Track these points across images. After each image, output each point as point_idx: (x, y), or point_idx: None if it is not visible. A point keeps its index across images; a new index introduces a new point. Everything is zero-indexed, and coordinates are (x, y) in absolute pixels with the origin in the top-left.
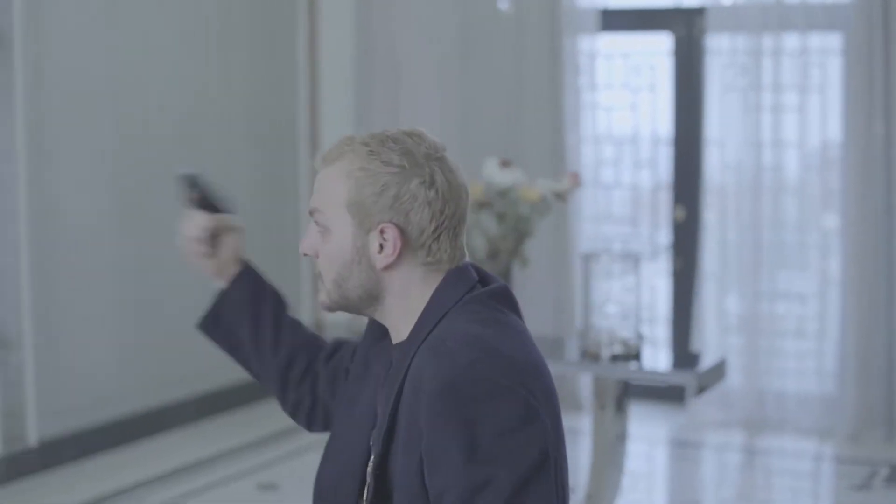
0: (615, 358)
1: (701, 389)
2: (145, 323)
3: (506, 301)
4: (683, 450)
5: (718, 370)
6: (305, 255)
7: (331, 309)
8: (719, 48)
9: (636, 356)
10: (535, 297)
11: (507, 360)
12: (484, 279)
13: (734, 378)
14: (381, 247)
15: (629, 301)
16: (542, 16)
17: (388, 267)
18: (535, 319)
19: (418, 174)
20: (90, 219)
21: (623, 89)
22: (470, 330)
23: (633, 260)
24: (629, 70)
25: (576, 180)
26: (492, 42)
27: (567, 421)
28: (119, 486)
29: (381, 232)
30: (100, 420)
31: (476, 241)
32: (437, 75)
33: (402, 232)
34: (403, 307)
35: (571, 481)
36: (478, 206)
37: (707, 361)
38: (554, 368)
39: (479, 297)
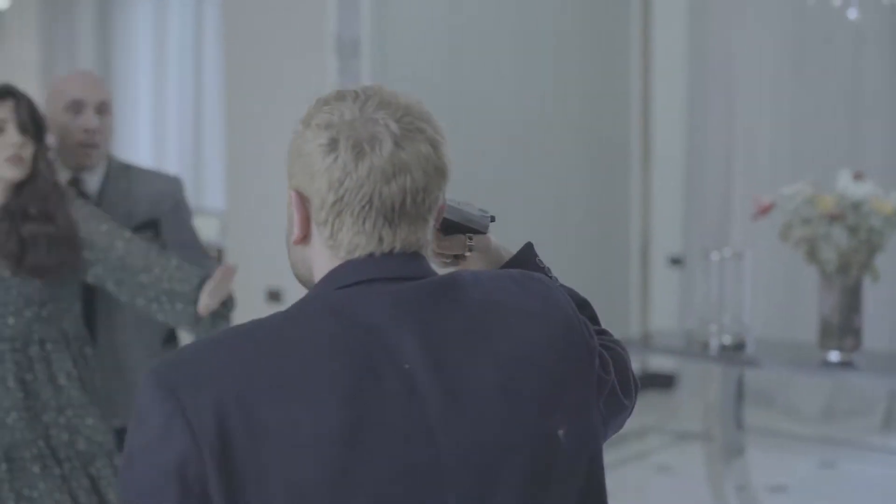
0: None
1: None
2: None
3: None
4: None
5: None
6: None
7: None
8: None
9: None
10: (884, 313)
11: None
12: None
13: None
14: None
15: None
16: (883, 23)
17: (303, 243)
18: (880, 336)
19: (324, 136)
20: None
21: None
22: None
23: None
24: None
25: None
26: (831, 52)
27: None
28: None
29: (290, 200)
30: None
31: (827, 255)
32: (771, 87)
33: (305, 201)
34: None
35: None
36: (829, 220)
37: None
38: None
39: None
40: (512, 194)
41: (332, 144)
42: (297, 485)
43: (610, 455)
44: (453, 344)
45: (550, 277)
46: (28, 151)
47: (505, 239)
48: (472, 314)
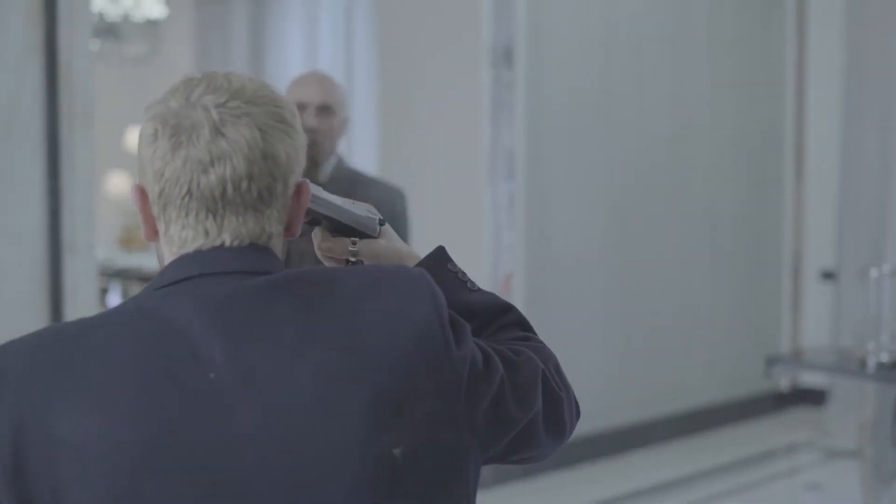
0: None
1: None
2: (633, 337)
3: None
4: None
5: None
6: None
7: None
8: None
9: None
10: None
11: None
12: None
13: None
14: None
15: None
16: None
17: (154, 239)
18: None
19: (150, 126)
20: (580, 230)
21: None
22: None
23: None
24: None
25: None
26: None
27: None
28: (599, 498)
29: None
30: (585, 431)
31: None
32: None
33: (144, 195)
34: None
35: None
36: None
37: None
38: None
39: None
40: (663, 204)
41: (154, 135)
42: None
43: (757, 472)
44: (271, 351)
45: (465, 282)
46: None
47: (656, 249)
48: (302, 317)
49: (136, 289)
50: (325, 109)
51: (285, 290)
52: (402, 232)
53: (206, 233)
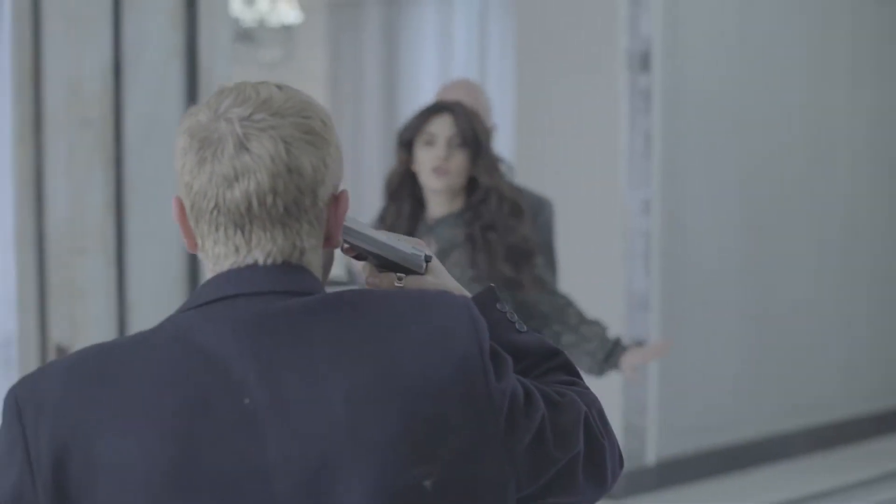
0: None
1: None
2: (768, 347)
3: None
4: None
5: None
6: None
7: None
8: None
9: None
10: None
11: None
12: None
13: None
14: None
15: None
16: None
17: (193, 251)
18: None
19: (182, 140)
20: (716, 238)
21: None
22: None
23: None
24: None
25: None
26: None
27: None
28: None
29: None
30: (716, 443)
31: None
32: None
33: (183, 208)
34: None
35: None
36: None
37: None
38: None
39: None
40: (799, 214)
41: (185, 149)
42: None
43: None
44: (304, 376)
45: (514, 323)
46: (455, 163)
47: (792, 259)
48: (336, 341)
49: None
50: None
51: (320, 313)
52: (549, 242)
53: (237, 249)
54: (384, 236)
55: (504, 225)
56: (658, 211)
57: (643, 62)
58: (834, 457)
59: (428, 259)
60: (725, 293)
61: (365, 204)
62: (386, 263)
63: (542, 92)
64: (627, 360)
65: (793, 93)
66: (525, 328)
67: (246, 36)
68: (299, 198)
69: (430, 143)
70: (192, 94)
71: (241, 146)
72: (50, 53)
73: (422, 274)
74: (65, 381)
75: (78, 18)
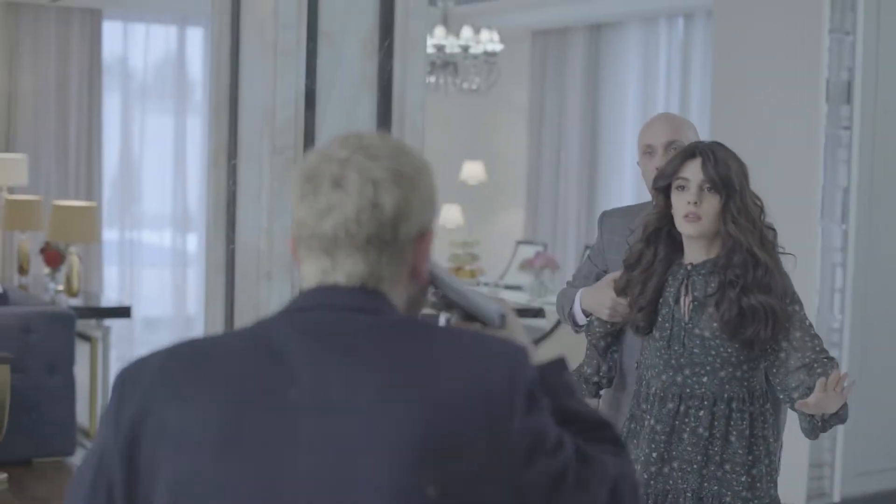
0: None
1: None
2: None
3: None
4: None
5: None
6: None
7: None
8: None
9: None
10: None
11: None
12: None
13: None
14: None
15: None
16: None
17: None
18: None
19: (296, 175)
20: None
21: None
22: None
23: None
24: None
25: None
26: None
27: None
28: None
29: None
30: None
31: None
32: None
33: (293, 236)
34: None
35: None
36: None
37: None
38: None
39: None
40: None
41: (295, 185)
42: (175, 483)
43: None
44: (346, 377)
45: (574, 392)
46: (708, 209)
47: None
48: (385, 355)
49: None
50: (672, 147)
51: (380, 331)
52: None
53: (324, 271)
54: (464, 288)
55: (747, 282)
56: (853, 245)
57: (844, 92)
58: None
59: (503, 318)
60: None
61: (559, 228)
62: (465, 313)
63: (740, 119)
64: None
65: None
66: (584, 401)
67: (448, 64)
68: (380, 230)
69: (682, 187)
70: (384, 121)
71: (336, 184)
72: (246, 80)
73: (496, 327)
74: (161, 362)
75: (273, 46)
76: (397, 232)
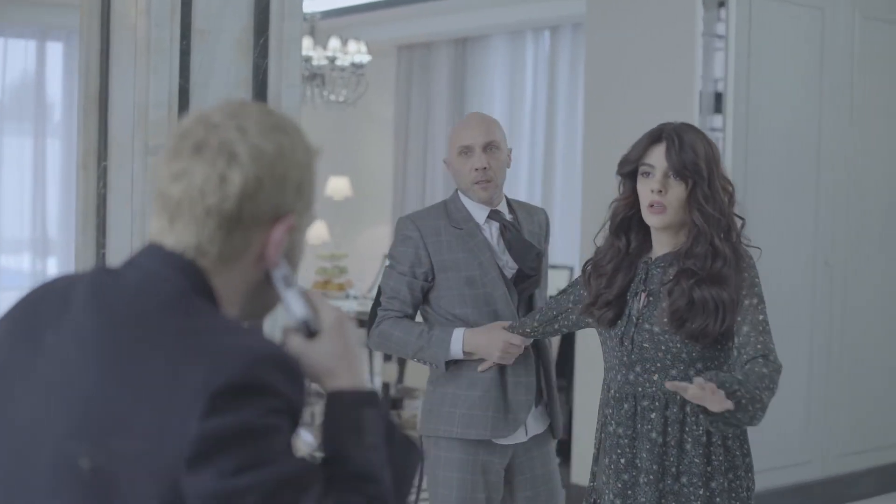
0: None
1: None
2: (837, 387)
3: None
4: None
5: None
6: None
7: None
8: None
9: None
10: None
11: None
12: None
13: None
14: None
15: None
16: None
17: None
18: None
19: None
20: (788, 278)
21: None
22: None
23: None
24: None
25: None
26: None
27: None
28: None
29: None
30: (785, 483)
31: None
32: None
33: None
34: None
35: None
36: None
37: None
38: None
39: None
40: (874, 253)
41: (167, 140)
42: None
43: None
44: (74, 331)
45: (365, 434)
46: (673, 198)
47: (864, 299)
48: (113, 329)
49: None
50: (491, 146)
51: (139, 300)
52: (544, 246)
53: (160, 230)
54: (293, 296)
55: (703, 274)
56: None
57: (716, 101)
58: None
59: (313, 333)
60: (796, 330)
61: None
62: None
63: (611, 133)
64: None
65: (869, 130)
66: (373, 447)
67: (315, 76)
68: (223, 205)
69: (647, 174)
70: None
71: (197, 150)
72: (117, 80)
73: (303, 334)
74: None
75: (146, 44)
76: (241, 210)
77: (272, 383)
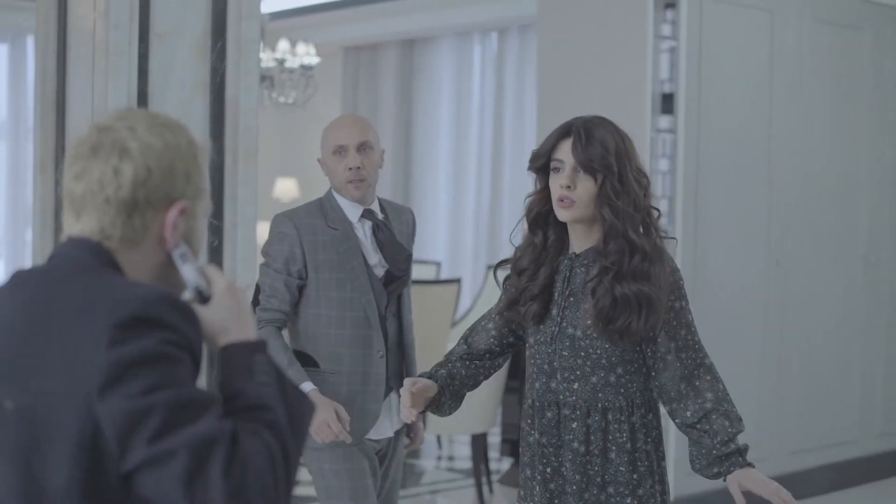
0: None
1: None
2: (789, 385)
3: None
4: None
5: None
6: None
7: None
8: None
9: None
10: None
11: None
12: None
13: None
14: None
15: None
16: None
17: None
18: None
19: None
20: (739, 276)
21: None
22: None
23: None
24: None
25: None
26: None
27: None
28: None
29: None
30: None
31: None
32: None
33: None
34: None
35: None
36: None
37: None
38: None
39: None
40: (822, 250)
41: (68, 150)
42: None
43: None
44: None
45: (250, 373)
46: (582, 193)
47: (815, 295)
48: (26, 292)
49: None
50: (364, 147)
51: (50, 271)
52: (411, 245)
53: (70, 226)
54: (189, 269)
55: (622, 270)
56: (681, 249)
57: (667, 103)
58: (855, 494)
59: (205, 300)
60: (747, 330)
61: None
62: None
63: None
64: (741, 482)
65: (818, 130)
66: (264, 381)
67: (264, 78)
68: (119, 193)
69: (557, 169)
70: (218, 123)
71: (94, 151)
72: (74, 83)
73: (196, 300)
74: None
75: (105, 46)
76: (136, 196)
77: (170, 318)
